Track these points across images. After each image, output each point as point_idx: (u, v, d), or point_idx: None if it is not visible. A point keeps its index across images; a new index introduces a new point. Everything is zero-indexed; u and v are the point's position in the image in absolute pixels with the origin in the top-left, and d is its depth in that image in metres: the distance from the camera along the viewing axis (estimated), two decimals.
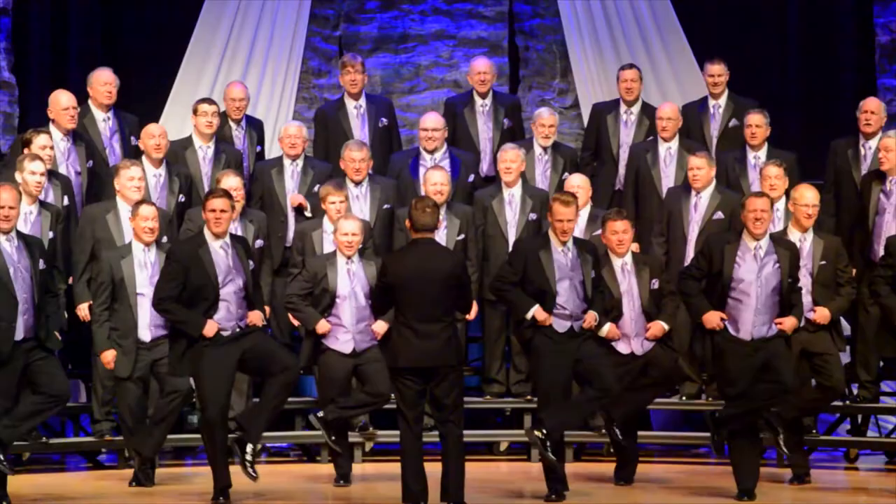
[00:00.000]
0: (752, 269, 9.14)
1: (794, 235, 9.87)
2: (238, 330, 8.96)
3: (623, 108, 11.78)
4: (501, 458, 11.28)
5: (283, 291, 10.45)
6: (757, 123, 11.12)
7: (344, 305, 9.74)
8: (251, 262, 9.11)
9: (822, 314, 9.90)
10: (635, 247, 10.24)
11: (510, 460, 11.19)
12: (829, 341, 9.92)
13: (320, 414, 9.60)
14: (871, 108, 11.07)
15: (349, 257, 9.80)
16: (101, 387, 10.37)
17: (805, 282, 9.77)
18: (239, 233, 10.05)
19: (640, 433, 10.14)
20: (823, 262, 9.95)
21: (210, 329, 8.90)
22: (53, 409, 8.85)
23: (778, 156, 10.98)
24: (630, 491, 9.68)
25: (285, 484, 9.77)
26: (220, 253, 8.96)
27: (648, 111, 11.80)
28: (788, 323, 9.24)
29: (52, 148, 10.31)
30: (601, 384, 9.05)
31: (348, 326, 9.75)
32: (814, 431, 10.71)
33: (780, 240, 9.41)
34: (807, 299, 9.80)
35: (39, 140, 10.23)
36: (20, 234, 8.88)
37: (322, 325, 9.79)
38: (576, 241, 9.25)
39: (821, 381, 9.87)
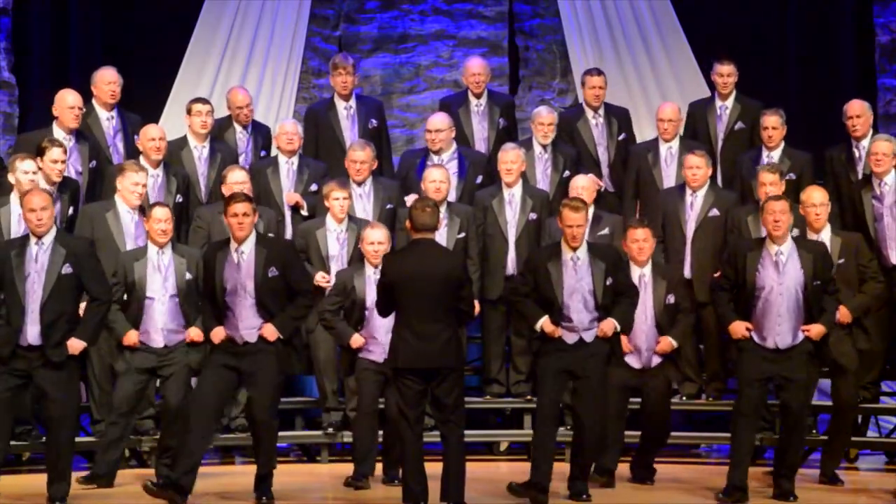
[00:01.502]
0: (773, 276, 9.09)
1: (810, 237, 9.84)
2: (244, 341, 8.89)
3: (590, 112, 11.81)
4: (501, 458, 11.27)
5: None
6: (773, 125, 11.11)
7: (374, 315, 9.58)
8: (273, 270, 8.86)
9: (843, 314, 9.84)
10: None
11: (510, 460, 11.16)
12: (851, 352, 9.88)
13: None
14: (856, 112, 11.07)
15: (376, 266, 9.71)
16: (98, 388, 10.36)
17: None
18: None
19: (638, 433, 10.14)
20: (842, 261, 9.92)
21: (215, 335, 8.93)
22: (61, 434, 8.84)
23: (793, 156, 11.07)
24: (630, 491, 9.68)
25: (285, 484, 9.76)
26: (232, 260, 8.89)
27: (612, 111, 11.87)
28: (815, 330, 9.15)
29: (63, 162, 10.21)
30: (583, 420, 9.05)
31: (380, 338, 9.64)
32: (814, 431, 10.70)
33: (804, 242, 9.36)
34: None
35: (52, 153, 10.08)
36: (60, 237, 8.87)
37: (356, 340, 9.77)
38: (591, 247, 9.19)
39: (834, 390, 9.94)
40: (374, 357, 9.75)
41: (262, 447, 9.03)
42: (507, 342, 11.19)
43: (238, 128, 11.59)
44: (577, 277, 9.07)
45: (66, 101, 10.67)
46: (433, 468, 8.63)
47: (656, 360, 9.73)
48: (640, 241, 9.72)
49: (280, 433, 10.88)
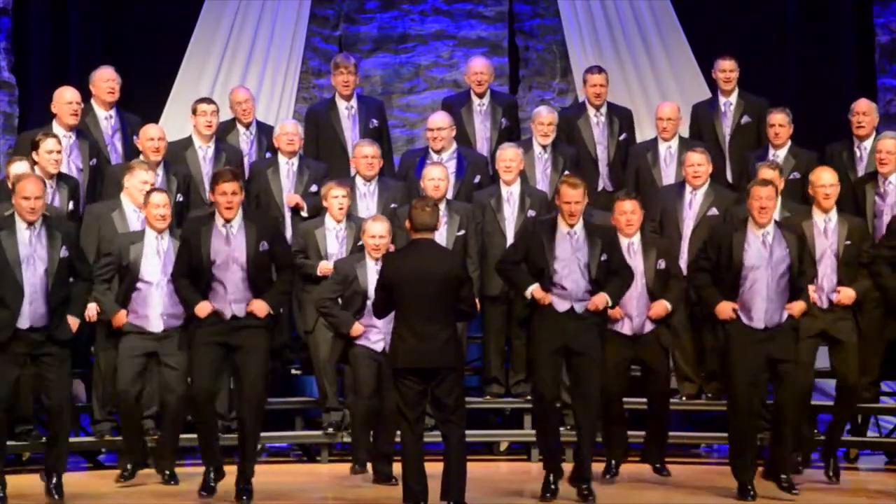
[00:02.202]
0: (763, 256, 9.15)
1: (818, 217, 9.92)
2: (234, 316, 8.90)
3: (592, 111, 11.81)
4: (501, 458, 11.28)
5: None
6: (780, 123, 11.15)
7: None
8: (264, 244, 8.92)
9: (846, 295, 9.91)
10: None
11: (510, 460, 11.18)
12: (851, 329, 9.92)
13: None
14: (863, 110, 11.12)
15: (377, 260, 9.74)
16: (102, 387, 10.35)
17: (830, 262, 9.86)
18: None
19: (639, 433, 10.13)
20: (848, 243, 9.96)
21: (201, 309, 8.92)
22: (58, 423, 8.88)
23: (799, 155, 11.10)
24: (630, 491, 9.68)
25: (285, 484, 9.76)
26: (221, 233, 8.92)
27: (615, 110, 11.87)
28: (797, 307, 9.24)
29: (59, 153, 10.25)
30: (585, 391, 9.06)
31: (380, 327, 9.70)
32: (814, 431, 10.69)
33: (786, 225, 9.41)
34: (832, 280, 9.87)
35: (47, 144, 10.16)
36: (46, 220, 8.88)
37: (357, 329, 9.80)
38: (587, 225, 9.23)
39: (835, 367, 9.94)
40: (369, 345, 9.77)
41: (252, 432, 8.95)
42: (508, 342, 11.18)
43: (242, 129, 11.58)
44: (573, 249, 9.10)
45: (64, 97, 10.69)
46: (433, 468, 8.64)
47: (649, 326, 9.77)
48: (629, 213, 9.81)
49: (280, 433, 10.96)
